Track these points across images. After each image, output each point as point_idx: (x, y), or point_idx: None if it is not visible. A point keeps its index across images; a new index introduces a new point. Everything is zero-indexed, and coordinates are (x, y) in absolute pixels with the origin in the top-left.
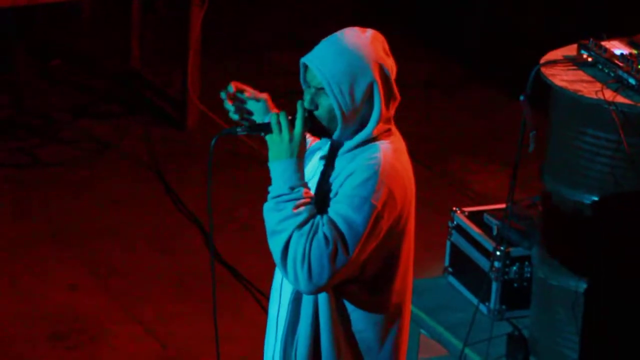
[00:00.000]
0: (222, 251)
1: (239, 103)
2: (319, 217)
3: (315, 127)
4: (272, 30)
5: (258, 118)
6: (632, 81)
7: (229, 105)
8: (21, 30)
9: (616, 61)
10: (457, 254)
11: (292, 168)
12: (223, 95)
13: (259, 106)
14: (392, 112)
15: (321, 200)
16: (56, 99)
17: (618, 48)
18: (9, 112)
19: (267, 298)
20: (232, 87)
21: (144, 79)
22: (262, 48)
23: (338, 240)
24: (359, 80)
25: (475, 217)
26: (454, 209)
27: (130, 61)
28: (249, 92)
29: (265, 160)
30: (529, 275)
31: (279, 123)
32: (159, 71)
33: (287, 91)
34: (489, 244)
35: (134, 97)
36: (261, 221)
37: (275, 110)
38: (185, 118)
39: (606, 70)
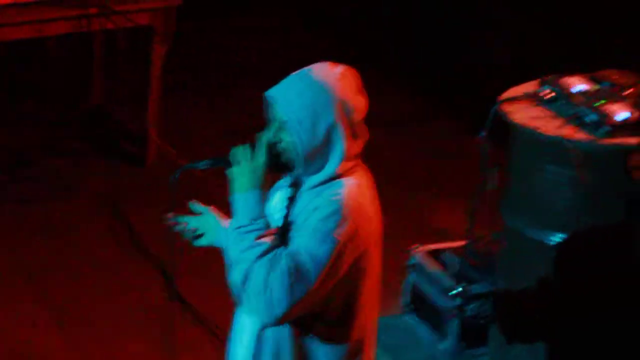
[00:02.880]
0: (181, 289)
1: (184, 227)
2: (281, 248)
3: (278, 161)
4: (238, 65)
5: (207, 227)
6: (592, 117)
7: (179, 229)
8: None
9: (577, 97)
10: (416, 292)
11: (253, 200)
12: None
13: (205, 218)
14: (358, 149)
15: (286, 234)
16: (18, 136)
17: (578, 84)
18: None
19: (226, 336)
20: (167, 220)
21: (106, 115)
22: (226, 84)
23: (298, 271)
24: (321, 118)
25: (434, 255)
26: (414, 246)
27: (93, 98)
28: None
29: (226, 199)
30: (487, 312)
31: (240, 155)
32: (121, 108)
33: (252, 127)
34: (448, 282)
35: (96, 133)
36: (222, 259)
37: (224, 217)
38: (145, 155)
39: (566, 107)
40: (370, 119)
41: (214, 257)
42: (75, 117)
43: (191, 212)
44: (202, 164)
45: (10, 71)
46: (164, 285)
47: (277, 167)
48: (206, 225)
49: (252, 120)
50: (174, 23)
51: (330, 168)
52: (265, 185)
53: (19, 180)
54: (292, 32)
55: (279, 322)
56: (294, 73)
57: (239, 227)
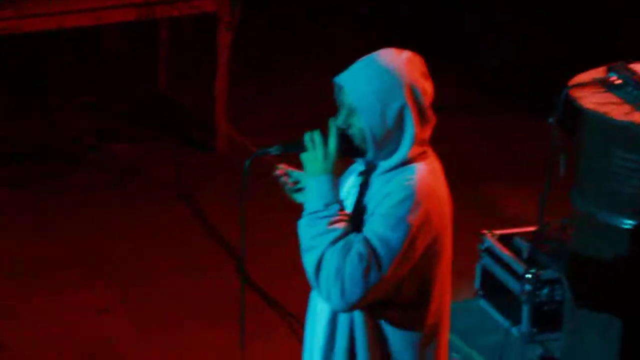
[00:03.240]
0: (253, 276)
1: (289, 179)
2: (353, 234)
3: (349, 146)
4: (302, 53)
5: None
6: None
7: (282, 181)
8: (52, 54)
9: None
10: (487, 277)
11: (327, 185)
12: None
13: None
14: (427, 134)
15: (357, 219)
16: (86, 124)
17: None
18: (40, 136)
19: (299, 322)
20: (278, 171)
21: (173, 102)
22: (291, 70)
23: (372, 257)
24: (390, 103)
25: (505, 240)
26: (484, 231)
27: (159, 85)
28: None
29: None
30: (559, 298)
31: (312, 140)
32: (187, 95)
33: (320, 115)
34: (519, 267)
35: (163, 121)
36: (294, 246)
37: None
38: (215, 142)
39: (635, 93)
40: (438, 107)
41: (287, 241)
42: (142, 105)
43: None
44: (274, 149)
45: (75, 60)
46: (236, 269)
47: (348, 152)
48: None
49: (322, 108)
50: (240, 9)
51: (401, 153)
52: (338, 170)
53: (86, 167)
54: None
55: (352, 309)
56: (360, 59)
57: (312, 212)
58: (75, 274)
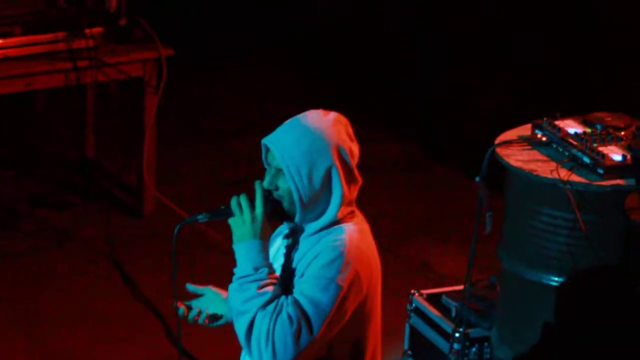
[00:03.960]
0: (184, 340)
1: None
2: (283, 297)
3: (276, 208)
4: (230, 115)
5: (217, 307)
6: (586, 160)
7: (192, 317)
8: None
9: (570, 140)
10: (416, 337)
11: (255, 249)
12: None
13: (210, 297)
14: (354, 194)
15: (287, 281)
16: (13, 190)
17: (572, 127)
18: None
19: None
20: (181, 310)
21: (100, 167)
22: (219, 133)
23: (302, 319)
24: (318, 164)
25: (433, 299)
26: (412, 291)
27: (86, 150)
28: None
29: (226, 249)
30: (488, 356)
31: (239, 205)
32: (115, 159)
33: (246, 177)
34: (447, 326)
35: (91, 186)
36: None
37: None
38: (142, 206)
39: (561, 150)
40: (365, 165)
41: None
42: (68, 170)
43: (193, 295)
44: (202, 217)
45: (2, 127)
46: (164, 335)
47: (276, 215)
48: (213, 304)
49: (250, 170)
50: (165, 73)
51: (330, 214)
52: (267, 233)
53: (10, 234)
54: (281, 84)
55: None
56: (287, 121)
57: (242, 277)
58: (6, 341)
